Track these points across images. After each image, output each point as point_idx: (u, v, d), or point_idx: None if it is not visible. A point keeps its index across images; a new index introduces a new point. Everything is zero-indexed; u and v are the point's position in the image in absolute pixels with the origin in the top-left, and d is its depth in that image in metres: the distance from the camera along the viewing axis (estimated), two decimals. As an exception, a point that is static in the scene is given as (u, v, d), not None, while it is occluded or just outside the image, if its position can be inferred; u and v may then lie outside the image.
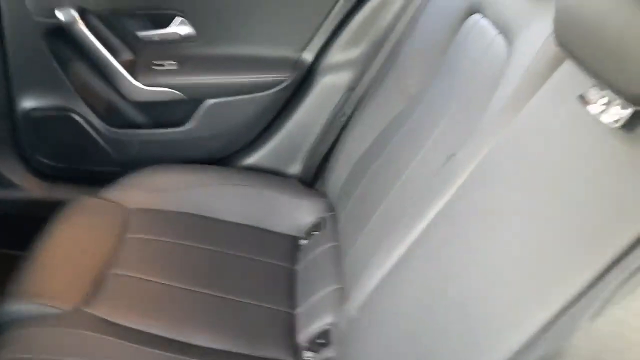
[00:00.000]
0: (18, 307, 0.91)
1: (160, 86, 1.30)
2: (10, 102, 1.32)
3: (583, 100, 0.55)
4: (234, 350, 0.94)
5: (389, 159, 1.03)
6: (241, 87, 1.33)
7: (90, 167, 1.41)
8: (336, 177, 1.25)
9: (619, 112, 0.50)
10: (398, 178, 0.92)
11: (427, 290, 0.67)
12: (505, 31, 0.81)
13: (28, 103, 1.32)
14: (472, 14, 0.94)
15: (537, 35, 0.70)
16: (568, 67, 0.62)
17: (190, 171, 1.30)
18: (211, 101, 1.33)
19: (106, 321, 0.91)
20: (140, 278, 1.01)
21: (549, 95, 0.63)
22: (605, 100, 0.52)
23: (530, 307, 0.50)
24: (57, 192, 1.40)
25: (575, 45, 0.53)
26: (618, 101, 0.50)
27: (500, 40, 0.82)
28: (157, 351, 0.88)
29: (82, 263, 1.01)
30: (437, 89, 0.96)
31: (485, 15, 0.90)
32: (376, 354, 0.72)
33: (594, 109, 0.53)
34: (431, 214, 0.75)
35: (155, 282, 1.01)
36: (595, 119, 0.53)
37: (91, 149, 1.37)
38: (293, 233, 1.24)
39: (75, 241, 1.07)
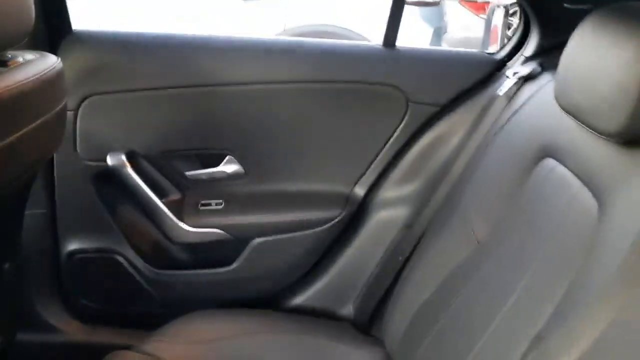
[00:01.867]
0: None
1: (207, 227, 1.25)
2: (55, 244, 1.29)
3: None
4: None
5: (458, 317, 0.91)
6: (290, 225, 1.26)
7: (133, 310, 1.34)
8: (395, 325, 1.13)
9: None
10: (471, 347, 0.80)
11: None
12: (593, 187, 0.72)
13: (72, 245, 1.29)
14: (544, 158, 0.86)
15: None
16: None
17: (234, 318, 1.21)
18: (258, 240, 1.27)
19: None
20: None
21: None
22: None
23: None
24: (98, 336, 1.34)
25: None
26: None
27: (586, 195, 0.73)
28: None
29: None
30: (512, 241, 0.86)
31: (562, 162, 0.81)
32: None
33: None
34: None
35: None
36: None
37: (134, 291, 1.31)
38: (348, 388, 1.11)
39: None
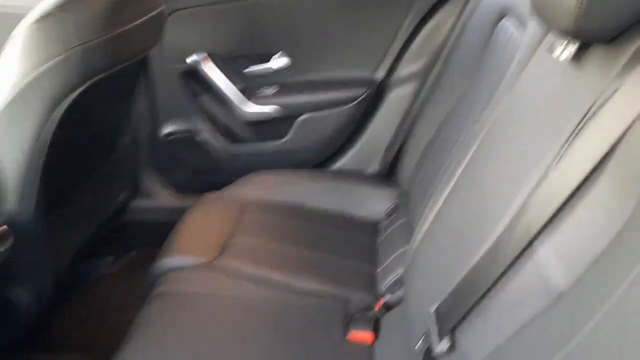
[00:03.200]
0: (171, 259, 1.25)
1: (265, 107, 1.66)
2: (154, 128, 1.73)
3: (551, 49, 0.79)
4: (329, 291, 1.20)
5: (441, 146, 1.28)
6: (327, 103, 1.65)
7: (211, 178, 1.77)
8: (406, 169, 1.51)
9: (570, 49, 0.74)
10: (447, 158, 1.16)
11: (462, 208, 0.91)
12: (522, 24, 1.06)
13: (167, 128, 1.73)
14: (500, 19, 1.20)
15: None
16: (549, 37, 0.86)
17: (288, 173, 1.62)
18: (304, 117, 1.67)
19: (236, 268, 1.22)
20: (258, 241, 1.32)
21: (537, 57, 0.88)
22: (563, 44, 0.76)
23: (518, 185, 0.74)
24: (187, 200, 1.77)
25: (540, 8, 0.78)
26: (569, 42, 0.74)
27: (519, 32, 1.07)
28: (271, 290, 1.17)
29: (215, 231, 1.34)
30: (478, 84, 1.21)
31: (509, 16, 1.15)
32: (431, 268, 0.96)
33: (556, 52, 0.77)
34: (465, 162, 0.99)
35: (269, 244, 1.31)
36: (558, 59, 0.77)
37: (212, 162, 1.74)
38: (374, 218, 1.50)
39: (207, 219, 1.41)
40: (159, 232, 1.47)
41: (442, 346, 0.75)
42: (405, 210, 1.44)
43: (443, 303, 0.78)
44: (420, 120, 1.51)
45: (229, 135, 1.73)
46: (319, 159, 1.73)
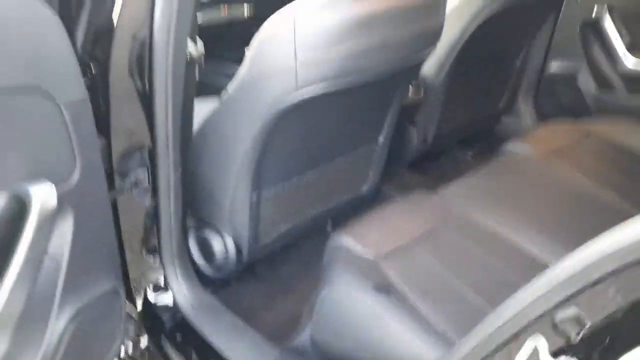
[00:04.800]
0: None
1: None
2: (541, 65, 2.11)
3: None
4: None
5: None
6: None
7: (577, 118, 2.03)
8: None
9: None
10: None
11: None
12: None
13: (552, 67, 2.09)
14: None
15: None
16: None
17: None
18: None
19: (553, 161, 1.54)
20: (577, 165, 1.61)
21: None
22: None
23: None
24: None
25: None
26: None
27: None
28: (569, 184, 1.46)
29: (558, 141, 1.68)
30: None
31: None
32: None
33: None
34: None
35: (584, 164, 1.58)
36: None
37: (581, 103, 2.03)
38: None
39: (551, 134, 1.75)
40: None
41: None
42: None
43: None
44: None
45: (604, 83, 1.97)
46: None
